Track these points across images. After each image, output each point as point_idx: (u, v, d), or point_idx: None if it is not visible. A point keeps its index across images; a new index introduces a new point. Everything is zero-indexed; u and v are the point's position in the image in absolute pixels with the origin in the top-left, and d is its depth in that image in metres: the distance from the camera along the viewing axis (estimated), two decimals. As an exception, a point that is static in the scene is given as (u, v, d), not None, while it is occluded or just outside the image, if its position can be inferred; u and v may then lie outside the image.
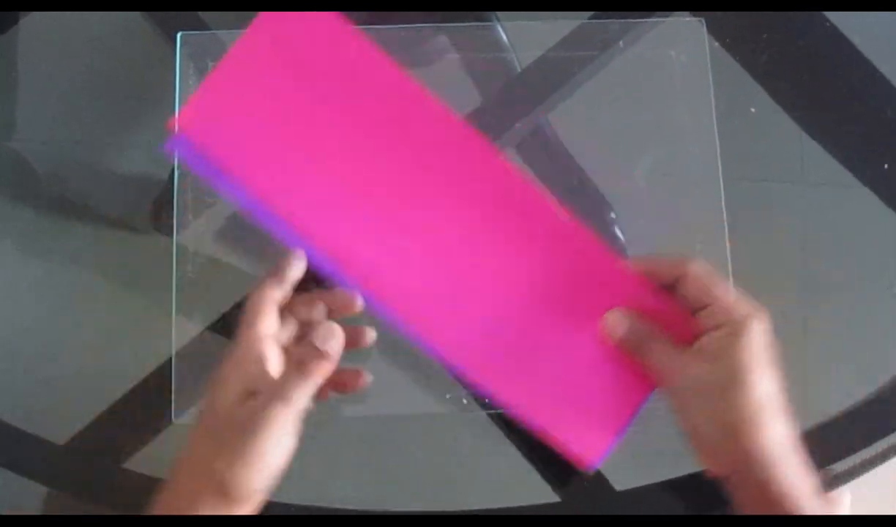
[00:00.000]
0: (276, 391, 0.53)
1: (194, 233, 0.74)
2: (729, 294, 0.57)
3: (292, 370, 0.55)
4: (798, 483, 0.54)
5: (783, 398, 0.56)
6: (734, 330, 0.56)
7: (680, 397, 0.57)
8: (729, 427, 0.54)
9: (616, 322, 0.59)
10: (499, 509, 0.71)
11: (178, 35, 0.77)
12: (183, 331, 0.73)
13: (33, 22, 0.80)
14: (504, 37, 0.80)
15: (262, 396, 0.53)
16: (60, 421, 0.73)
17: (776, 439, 0.54)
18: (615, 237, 0.77)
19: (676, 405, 0.57)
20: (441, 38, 0.79)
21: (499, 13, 0.80)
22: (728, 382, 0.55)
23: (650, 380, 0.58)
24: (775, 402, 0.55)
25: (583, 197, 0.78)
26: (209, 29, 0.78)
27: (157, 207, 0.76)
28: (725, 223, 0.75)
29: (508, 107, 0.78)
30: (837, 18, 0.80)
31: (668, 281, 0.58)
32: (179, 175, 0.75)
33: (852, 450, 0.73)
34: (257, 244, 0.75)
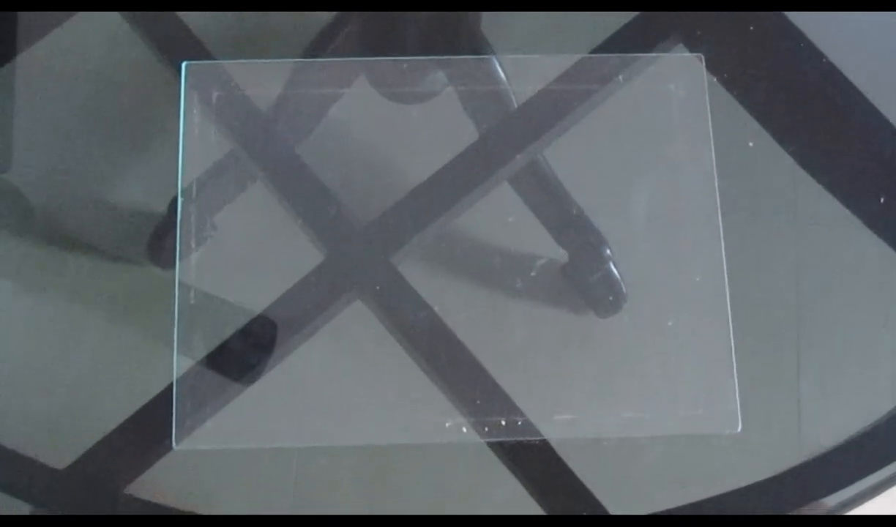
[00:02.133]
0: None
1: (196, 260, 0.74)
2: None
3: None
4: None
5: None
6: None
7: None
8: None
9: None
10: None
11: (184, 64, 0.77)
12: (183, 358, 0.73)
13: (33, 53, 0.81)
14: (501, 71, 0.80)
15: None
16: (59, 449, 0.73)
17: None
18: (610, 273, 0.77)
19: None
20: (439, 72, 0.80)
21: (496, 47, 0.81)
22: None
23: None
24: None
25: (578, 233, 0.78)
26: (213, 58, 0.79)
27: (155, 237, 0.76)
28: (724, 258, 0.75)
29: (505, 141, 0.78)
30: (835, 55, 0.81)
31: None
32: (183, 202, 0.75)
33: (846, 483, 0.74)
34: (259, 273, 0.76)
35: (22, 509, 0.72)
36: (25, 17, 0.81)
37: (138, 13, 0.81)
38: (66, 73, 0.80)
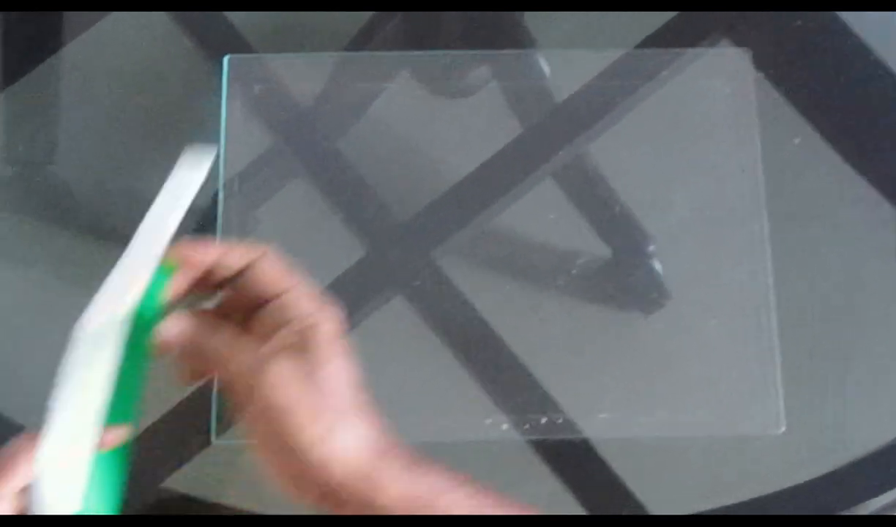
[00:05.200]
0: None
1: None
2: (301, 287, 0.53)
3: None
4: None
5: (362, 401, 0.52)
6: (307, 326, 0.52)
7: (257, 404, 0.51)
8: (311, 432, 0.49)
9: (171, 324, 0.54)
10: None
11: (226, 58, 0.77)
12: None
13: (78, 45, 0.81)
14: (545, 66, 0.80)
15: None
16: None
17: (360, 442, 0.50)
18: (653, 271, 0.77)
19: (250, 420, 0.51)
20: (483, 67, 0.79)
21: (539, 42, 0.80)
22: (305, 379, 0.50)
23: None
24: (353, 405, 0.52)
25: (622, 229, 0.77)
26: (255, 52, 0.79)
27: (198, 231, 0.77)
28: (769, 257, 0.74)
29: (549, 136, 0.78)
30: (883, 51, 0.80)
31: (235, 270, 0.54)
32: (225, 196, 0.75)
33: (892, 485, 0.73)
34: (300, 268, 0.76)
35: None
36: (69, 12, 0.82)
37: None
38: (110, 67, 0.80)
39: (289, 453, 0.50)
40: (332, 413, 0.51)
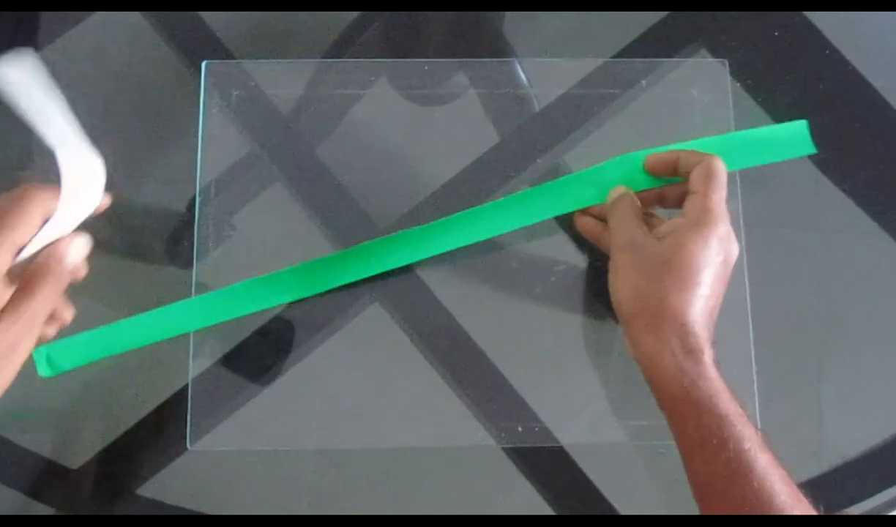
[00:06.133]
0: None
1: (213, 262, 0.74)
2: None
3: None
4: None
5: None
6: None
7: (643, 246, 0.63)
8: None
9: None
10: (513, 545, 0.71)
11: (204, 63, 0.77)
12: (199, 359, 0.73)
13: (55, 50, 0.80)
14: (523, 75, 0.80)
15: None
16: (73, 448, 0.73)
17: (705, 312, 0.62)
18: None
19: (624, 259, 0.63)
20: (461, 75, 0.79)
21: (518, 51, 0.80)
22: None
23: None
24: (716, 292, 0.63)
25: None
26: (233, 57, 0.79)
27: (174, 236, 0.76)
28: (745, 266, 0.75)
29: (528, 144, 0.78)
30: (860, 62, 0.80)
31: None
32: (201, 203, 0.75)
33: (868, 494, 0.73)
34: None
35: (36, 508, 0.72)
36: (46, 17, 0.81)
37: (159, 12, 0.81)
38: (87, 72, 0.80)
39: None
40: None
